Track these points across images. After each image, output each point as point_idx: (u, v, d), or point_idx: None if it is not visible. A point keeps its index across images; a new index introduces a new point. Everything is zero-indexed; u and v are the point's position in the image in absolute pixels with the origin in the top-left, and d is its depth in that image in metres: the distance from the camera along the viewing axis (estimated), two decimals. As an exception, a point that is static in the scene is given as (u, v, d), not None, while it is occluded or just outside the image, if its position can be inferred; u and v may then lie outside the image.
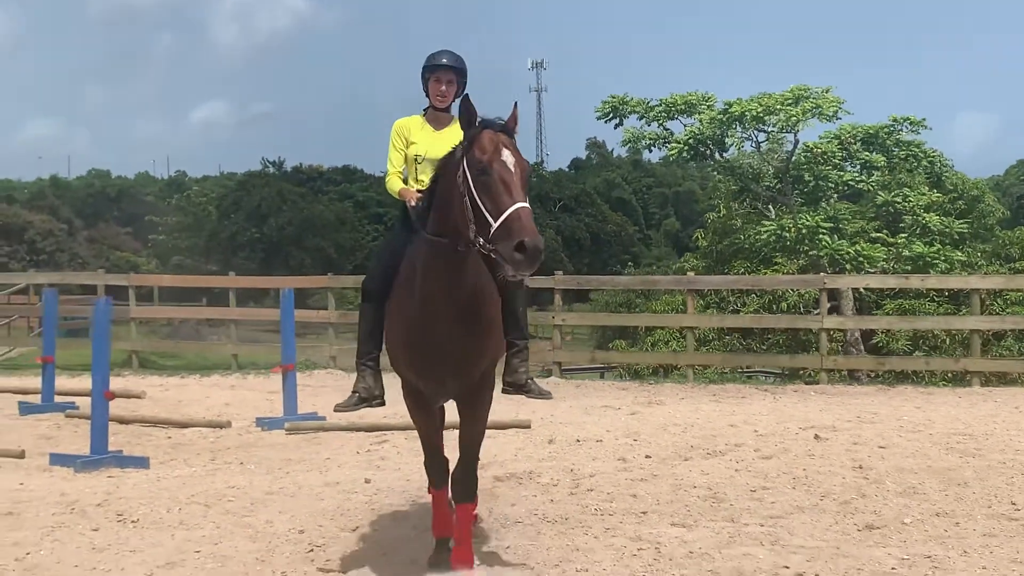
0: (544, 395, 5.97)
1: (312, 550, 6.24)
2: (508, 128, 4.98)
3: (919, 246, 22.58)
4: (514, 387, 5.83)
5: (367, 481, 8.01)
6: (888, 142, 24.04)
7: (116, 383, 10.44)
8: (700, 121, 24.08)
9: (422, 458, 6.05)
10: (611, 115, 25.06)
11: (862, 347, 21.38)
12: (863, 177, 24.01)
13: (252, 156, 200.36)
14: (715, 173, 28.15)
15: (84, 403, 11.95)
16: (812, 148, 23.84)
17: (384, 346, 5.72)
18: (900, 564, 5.89)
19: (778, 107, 23.29)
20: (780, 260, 23.69)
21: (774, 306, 22.24)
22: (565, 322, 17.72)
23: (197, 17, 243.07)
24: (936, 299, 22.37)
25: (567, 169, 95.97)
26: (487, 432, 6.10)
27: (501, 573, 5.77)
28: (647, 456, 8.78)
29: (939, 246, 22.82)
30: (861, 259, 22.14)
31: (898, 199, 23.54)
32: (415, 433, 6.22)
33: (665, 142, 24.82)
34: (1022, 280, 19.34)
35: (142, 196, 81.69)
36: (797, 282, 20.18)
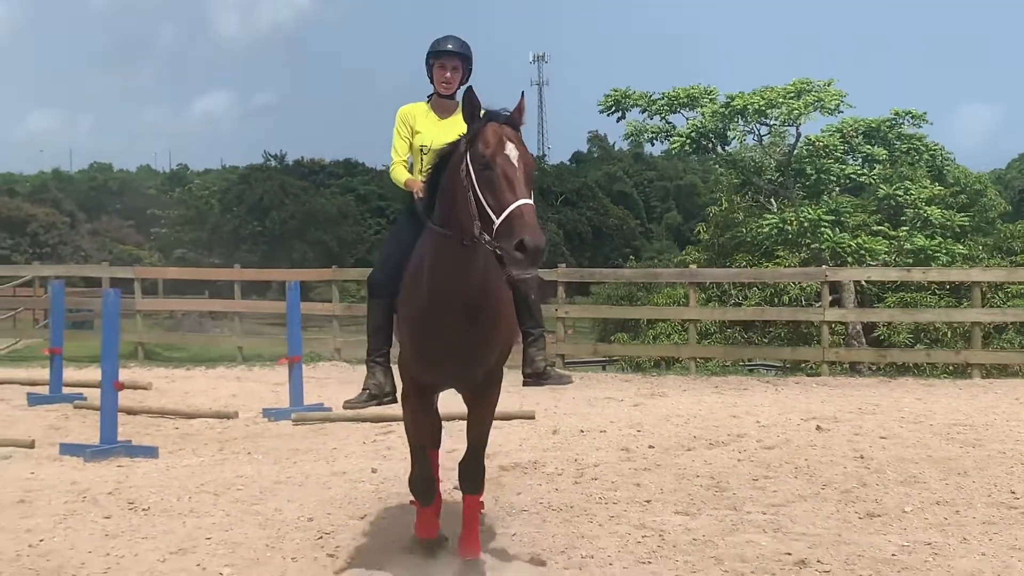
0: (563, 380, 5.87)
1: (321, 537, 6.33)
2: (514, 120, 4.86)
3: (920, 239, 22.67)
4: (534, 377, 5.68)
5: (374, 471, 8.08)
6: (890, 135, 24.10)
7: (123, 374, 10.50)
8: (702, 114, 24.13)
9: None
10: (614, 108, 25.15)
11: (864, 340, 21.41)
12: (865, 170, 24.09)
13: (254, 149, 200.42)
14: (717, 166, 28.14)
15: (91, 394, 12.07)
16: (814, 141, 23.91)
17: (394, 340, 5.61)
18: (900, 551, 5.98)
19: (780, 100, 23.32)
20: (782, 253, 23.71)
21: (776, 299, 22.24)
22: (568, 315, 17.79)
23: (199, 9, 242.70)
24: (937, 292, 22.41)
25: (568, 163, 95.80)
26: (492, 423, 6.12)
27: (507, 562, 5.84)
28: (650, 446, 8.83)
29: (940, 239, 22.93)
30: (863, 252, 22.23)
31: (900, 192, 23.66)
32: None
33: (667, 135, 24.87)
34: (1023, 273, 19.39)
35: (144, 189, 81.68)
36: (799, 275, 20.23)
